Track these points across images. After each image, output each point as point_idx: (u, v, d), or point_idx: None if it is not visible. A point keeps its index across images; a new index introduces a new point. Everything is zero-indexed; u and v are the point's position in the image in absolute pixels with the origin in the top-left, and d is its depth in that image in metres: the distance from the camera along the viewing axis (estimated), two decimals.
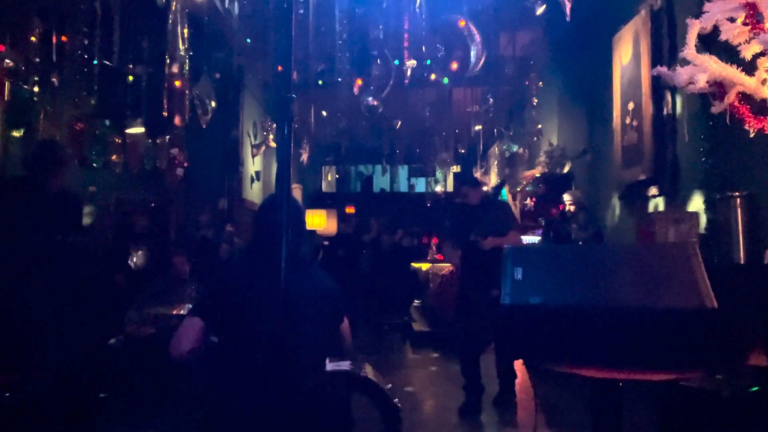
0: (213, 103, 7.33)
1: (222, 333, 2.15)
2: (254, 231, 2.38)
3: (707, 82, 3.13)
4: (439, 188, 15.58)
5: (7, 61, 5.55)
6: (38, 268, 3.19)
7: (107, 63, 6.31)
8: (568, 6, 5.38)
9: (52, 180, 3.43)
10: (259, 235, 2.32)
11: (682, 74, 3.21)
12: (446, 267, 8.28)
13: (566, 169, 8.34)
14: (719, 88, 3.20)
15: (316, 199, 16.40)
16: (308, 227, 12.73)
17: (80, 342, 3.35)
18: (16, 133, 6.00)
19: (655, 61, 4.95)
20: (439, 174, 14.49)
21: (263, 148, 11.27)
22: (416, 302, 8.97)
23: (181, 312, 4.28)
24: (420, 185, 17.76)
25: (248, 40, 7.29)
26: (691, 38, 3.20)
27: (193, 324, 2.09)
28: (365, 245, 9.68)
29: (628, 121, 5.72)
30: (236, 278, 2.25)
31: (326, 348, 2.34)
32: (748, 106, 3.20)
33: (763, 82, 3.10)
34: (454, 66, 8.16)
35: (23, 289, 3.11)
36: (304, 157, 12.05)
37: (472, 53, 7.11)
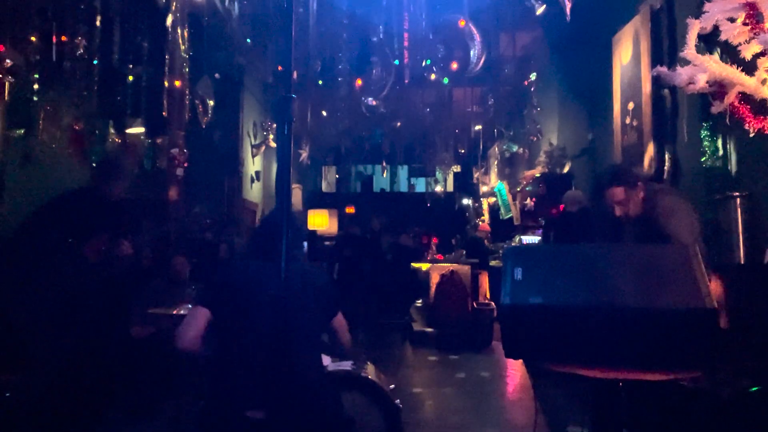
0: (213, 103, 7.33)
1: (221, 326, 2.20)
2: (253, 238, 2.47)
3: (707, 82, 3.13)
4: (439, 188, 15.56)
5: (7, 61, 5.54)
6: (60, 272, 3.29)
7: (107, 63, 6.31)
8: (568, 6, 5.37)
9: (113, 190, 3.65)
10: (257, 243, 2.42)
11: (682, 74, 3.21)
12: (447, 267, 8.29)
13: (566, 169, 8.34)
14: (719, 88, 3.20)
15: (316, 199, 16.38)
16: (309, 227, 12.76)
17: (81, 342, 3.36)
18: (16, 133, 5.99)
19: (655, 61, 4.95)
20: (439, 174, 14.47)
21: (263, 148, 11.27)
22: (416, 302, 8.97)
23: (181, 312, 4.28)
24: (420, 185, 17.74)
25: (248, 40, 7.29)
26: (691, 38, 3.20)
27: (200, 314, 2.16)
28: (366, 245, 9.67)
29: (628, 121, 5.71)
30: (236, 274, 2.32)
31: (320, 342, 2.37)
32: (748, 106, 3.20)
33: (763, 82, 3.10)
34: (454, 66, 8.16)
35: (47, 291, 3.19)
36: (304, 156, 12.05)
37: (472, 53, 7.11)
